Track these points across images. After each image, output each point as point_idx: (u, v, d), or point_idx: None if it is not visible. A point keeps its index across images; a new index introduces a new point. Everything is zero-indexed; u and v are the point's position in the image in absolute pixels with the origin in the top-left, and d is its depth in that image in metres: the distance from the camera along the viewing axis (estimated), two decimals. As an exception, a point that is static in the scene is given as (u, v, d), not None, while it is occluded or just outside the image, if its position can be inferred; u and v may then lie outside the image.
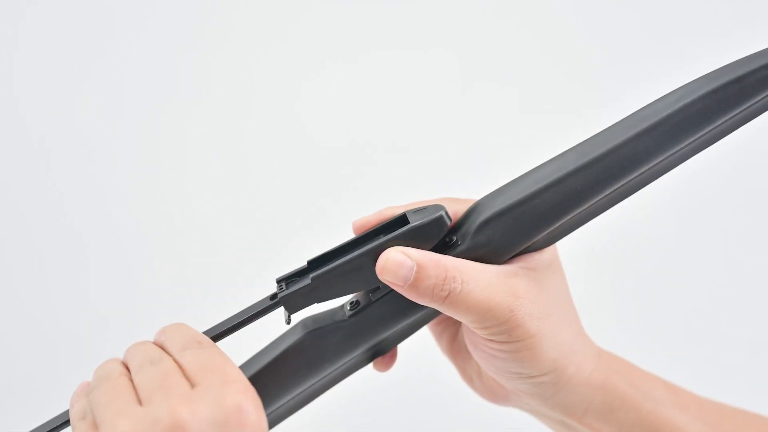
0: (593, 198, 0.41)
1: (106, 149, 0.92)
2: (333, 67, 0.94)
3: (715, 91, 0.39)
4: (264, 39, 0.94)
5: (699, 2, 0.91)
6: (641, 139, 0.40)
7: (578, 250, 0.57)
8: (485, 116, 0.92)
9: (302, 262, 0.44)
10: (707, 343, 0.86)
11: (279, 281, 0.44)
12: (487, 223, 0.41)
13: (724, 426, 0.46)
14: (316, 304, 0.44)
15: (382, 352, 0.48)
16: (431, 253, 0.41)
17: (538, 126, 0.88)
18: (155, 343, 0.40)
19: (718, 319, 0.87)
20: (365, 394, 0.67)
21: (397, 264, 0.40)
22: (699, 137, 0.41)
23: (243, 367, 0.46)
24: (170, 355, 0.38)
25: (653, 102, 0.41)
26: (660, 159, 0.41)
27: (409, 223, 0.42)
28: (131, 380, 0.37)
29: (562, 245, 0.44)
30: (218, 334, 0.44)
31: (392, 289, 0.43)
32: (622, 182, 0.41)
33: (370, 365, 0.49)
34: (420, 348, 0.54)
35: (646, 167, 0.41)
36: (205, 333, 0.44)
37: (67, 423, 0.41)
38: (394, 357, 0.48)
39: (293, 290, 0.43)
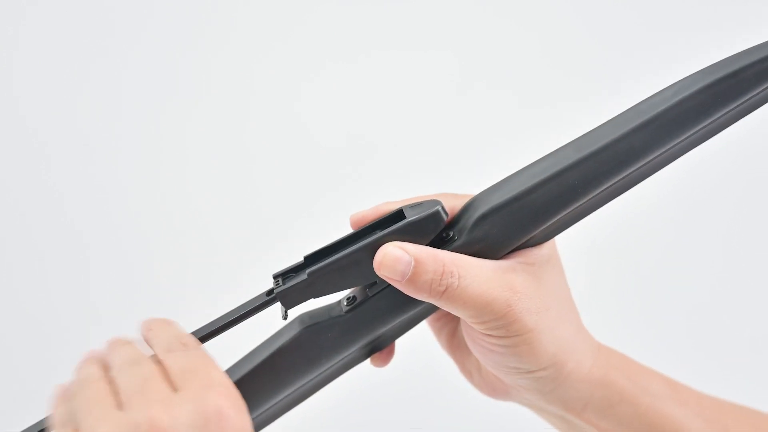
0: (591, 193, 0.41)
1: (106, 149, 0.92)
2: (333, 67, 0.94)
3: (711, 86, 0.39)
4: (264, 39, 0.94)
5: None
6: (638, 134, 0.40)
7: (577, 245, 0.57)
8: (483, 113, 0.92)
9: (299, 258, 0.44)
10: (707, 338, 0.86)
11: (276, 277, 0.44)
12: (484, 218, 0.41)
13: (722, 421, 0.46)
14: (312, 300, 0.44)
15: (379, 348, 0.48)
16: (428, 248, 0.41)
17: (536, 121, 0.88)
18: (141, 337, 0.40)
19: (717, 315, 0.87)
20: (363, 390, 0.67)
21: (395, 259, 0.40)
22: (696, 132, 0.41)
23: (240, 364, 0.46)
24: (154, 355, 0.38)
25: (650, 97, 0.41)
26: (657, 153, 0.41)
27: (405, 218, 0.42)
28: (112, 382, 0.36)
29: (561, 240, 0.44)
30: (215, 329, 0.44)
31: (389, 285, 0.43)
32: (620, 177, 0.41)
33: (368, 361, 0.49)
34: (419, 343, 0.54)
35: (643, 162, 0.41)
36: (201, 329, 0.44)
37: (48, 429, 0.41)
38: (391, 352, 0.48)
39: (290, 286, 0.43)
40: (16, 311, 0.89)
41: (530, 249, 0.43)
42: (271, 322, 0.47)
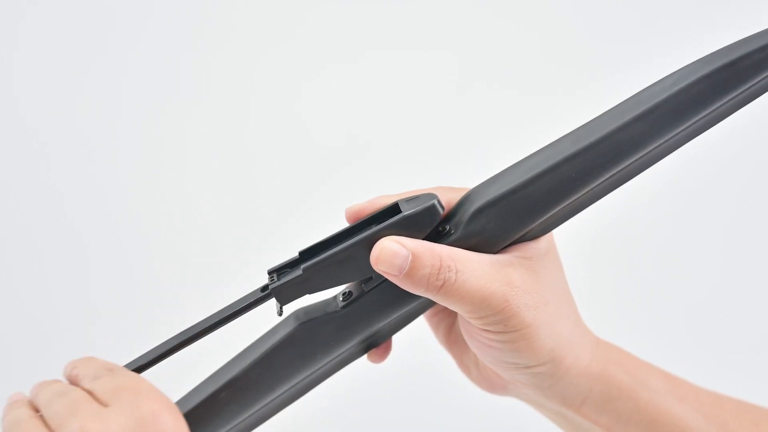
0: (588, 185, 0.41)
1: (106, 149, 0.92)
2: (332, 68, 0.94)
3: (710, 75, 0.39)
4: (264, 39, 0.94)
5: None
6: (636, 125, 0.39)
7: (575, 239, 0.57)
8: (480, 110, 0.92)
9: (295, 253, 0.44)
10: (706, 333, 0.85)
11: (270, 272, 0.44)
12: (480, 211, 0.41)
13: (722, 417, 0.46)
14: (308, 296, 0.43)
15: (376, 344, 0.47)
16: (425, 242, 0.41)
17: (534, 115, 0.88)
18: (66, 377, 0.40)
19: (717, 309, 0.87)
20: (361, 387, 0.67)
21: (392, 253, 0.40)
22: (695, 122, 0.40)
23: (235, 361, 0.45)
24: (81, 387, 0.38)
25: (648, 87, 0.40)
26: (656, 144, 0.40)
27: (401, 212, 0.41)
28: (41, 418, 0.36)
29: (559, 233, 0.44)
30: (210, 326, 0.44)
31: (385, 279, 0.42)
32: (618, 168, 0.41)
33: (365, 357, 0.48)
34: (416, 339, 0.53)
35: (642, 153, 0.40)
36: (195, 326, 0.44)
37: None
38: (388, 348, 0.48)
39: (285, 281, 0.42)
40: (16, 311, 0.89)
41: (528, 243, 0.43)
42: (266, 318, 0.46)
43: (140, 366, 0.44)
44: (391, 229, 0.41)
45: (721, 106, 0.40)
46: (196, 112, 0.93)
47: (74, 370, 0.40)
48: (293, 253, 0.44)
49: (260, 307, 0.44)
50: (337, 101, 0.94)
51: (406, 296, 0.43)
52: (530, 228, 0.42)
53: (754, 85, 0.39)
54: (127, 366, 0.43)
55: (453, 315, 0.50)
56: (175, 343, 0.44)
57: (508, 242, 0.42)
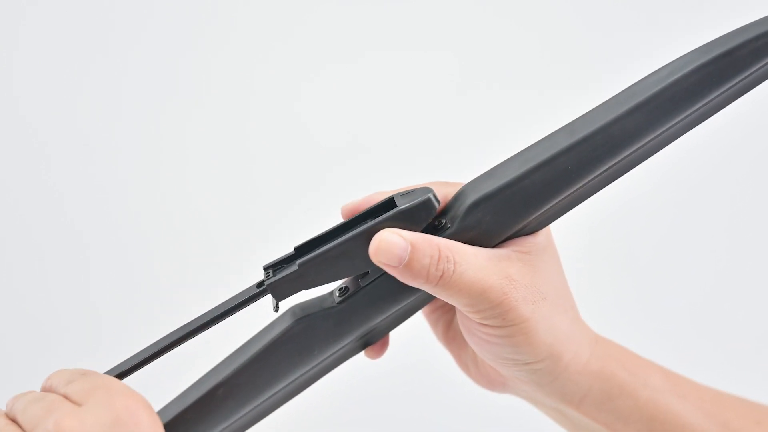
0: (585, 178, 0.40)
1: (106, 149, 0.92)
2: (332, 68, 0.94)
3: (706, 65, 0.38)
4: (264, 39, 0.94)
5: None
6: (632, 116, 0.39)
7: (572, 233, 0.57)
8: (480, 110, 0.92)
9: (290, 249, 0.43)
10: (707, 329, 0.85)
11: (266, 268, 0.43)
12: (476, 205, 0.41)
13: (723, 414, 0.45)
14: (304, 291, 0.43)
15: (373, 340, 0.47)
16: (424, 234, 0.40)
17: (534, 115, 0.87)
18: (41, 389, 0.40)
19: (718, 305, 0.86)
20: (358, 383, 0.67)
21: (392, 245, 0.39)
22: (692, 113, 0.40)
23: (231, 357, 0.45)
24: (56, 392, 0.38)
25: (644, 78, 0.40)
26: (652, 136, 0.40)
27: (396, 206, 0.41)
28: (18, 425, 0.37)
29: (556, 228, 0.43)
30: (206, 322, 0.44)
31: (382, 274, 0.42)
32: (615, 161, 0.40)
33: (362, 353, 0.48)
34: (414, 335, 0.53)
35: (638, 145, 0.40)
36: (191, 322, 0.44)
37: None
38: (385, 344, 0.47)
39: (280, 277, 0.42)
40: (16, 311, 0.89)
41: (525, 237, 0.42)
42: (263, 315, 0.46)
43: (136, 364, 0.44)
44: (387, 224, 0.41)
45: (718, 96, 0.39)
46: (196, 111, 0.93)
47: (48, 381, 0.40)
48: (289, 249, 0.43)
49: (256, 304, 0.44)
50: (337, 101, 0.93)
51: (403, 291, 0.43)
52: (527, 222, 0.41)
53: (751, 74, 0.39)
54: (121, 366, 0.43)
55: (451, 311, 0.50)
56: (171, 340, 0.44)
57: (504, 236, 0.42)
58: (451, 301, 0.41)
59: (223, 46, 0.94)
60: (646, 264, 0.88)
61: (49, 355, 0.87)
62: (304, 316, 0.44)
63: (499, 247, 0.42)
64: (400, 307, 0.44)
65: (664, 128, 0.40)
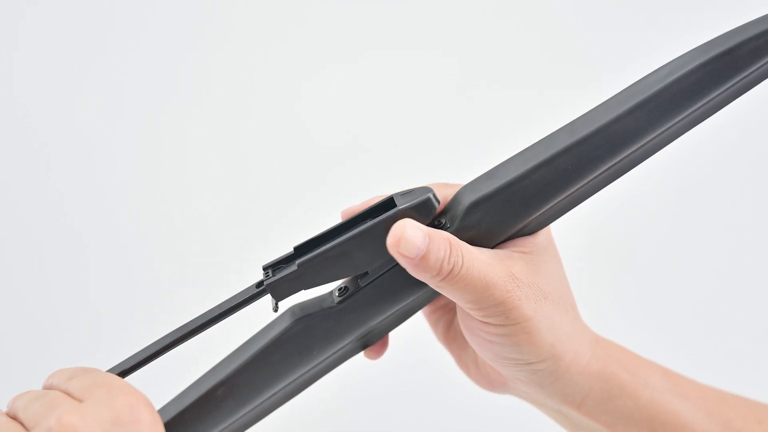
0: (585, 177, 0.40)
1: (106, 149, 0.92)
2: (332, 68, 0.94)
3: (706, 64, 0.38)
4: (264, 39, 0.94)
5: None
6: (632, 116, 0.39)
7: (573, 233, 0.56)
8: (481, 111, 0.92)
9: (289, 249, 0.43)
10: (708, 328, 0.85)
11: (265, 268, 0.43)
12: (476, 205, 0.41)
13: (725, 414, 0.45)
14: (303, 291, 0.43)
15: (373, 341, 0.47)
16: (433, 228, 0.40)
17: (534, 115, 0.87)
18: (42, 388, 0.40)
19: (719, 304, 0.86)
20: (357, 384, 0.67)
21: (415, 236, 0.39)
22: (692, 112, 0.40)
23: (231, 357, 0.45)
24: (57, 389, 0.39)
25: (644, 77, 0.40)
26: (653, 135, 0.40)
27: (396, 206, 0.41)
28: (20, 423, 0.37)
29: (557, 227, 0.43)
30: (206, 322, 0.44)
31: (381, 274, 0.42)
32: (615, 160, 0.40)
33: (361, 354, 0.48)
34: (414, 336, 0.53)
35: (638, 144, 0.40)
36: (191, 322, 0.44)
37: None
38: (385, 344, 0.47)
39: (280, 277, 0.42)
40: (16, 311, 0.89)
41: (525, 237, 0.42)
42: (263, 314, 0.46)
43: (135, 364, 0.44)
44: (388, 223, 0.41)
45: (718, 95, 0.39)
46: (196, 111, 0.93)
47: (49, 380, 0.40)
48: (289, 249, 0.43)
49: (256, 304, 0.44)
50: (337, 101, 0.93)
51: (403, 290, 0.43)
52: (527, 222, 0.41)
53: (751, 73, 0.39)
54: (120, 365, 0.43)
55: (452, 312, 0.49)
56: (171, 340, 0.44)
57: (504, 237, 0.42)
58: (455, 298, 0.41)
59: (223, 46, 0.94)
60: (646, 264, 0.88)
61: (49, 355, 0.87)
62: (304, 316, 0.43)
63: (500, 248, 0.42)
64: (400, 307, 0.44)
65: (664, 128, 0.40)
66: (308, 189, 0.91)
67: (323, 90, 0.93)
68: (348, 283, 0.44)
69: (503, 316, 0.41)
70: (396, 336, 0.48)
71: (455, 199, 0.42)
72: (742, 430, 0.45)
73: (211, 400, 0.44)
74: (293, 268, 0.42)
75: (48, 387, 0.40)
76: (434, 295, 0.45)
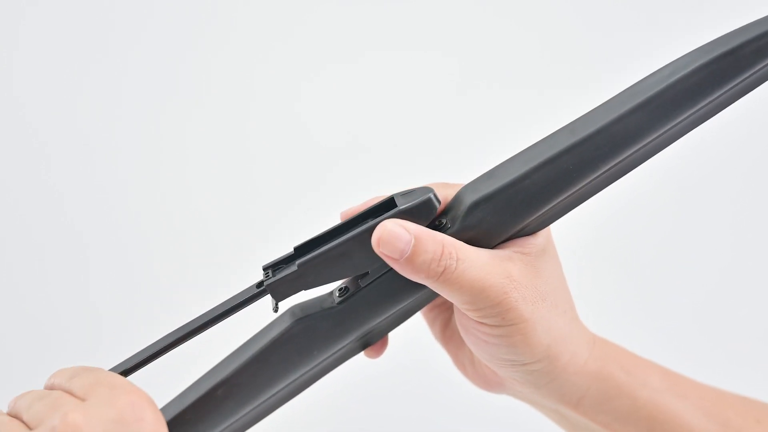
0: (586, 178, 0.40)
1: (106, 149, 0.92)
2: (332, 68, 0.94)
3: (709, 64, 0.38)
4: (264, 39, 0.94)
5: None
6: (634, 116, 0.39)
7: (574, 232, 0.56)
8: (481, 111, 0.92)
9: (289, 249, 0.43)
10: (709, 327, 0.84)
11: (265, 268, 0.43)
12: (477, 204, 0.40)
13: (724, 413, 0.45)
14: (304, 292, 0.43)
15: (373, 341, 0.47)
16: (427, 228, 0.40)
17: (535, 115, 0.87)
18: (44, 388, 0.40)
19: (718, 304, 0.86)
20: (356, 383, 0.67)
21: (395, 236, 0.39)
22: (694, 112, 0.39)
23: (231, 358, 0.45)
24: (59, 388, 0.39)
25: (645, 77, 0.40)
26: (654, 136, 0.40)
27: (396, 206, 0.41)
28: (23, 423, 0.37)
29: (557, 227, 0.43)
30: (205, 322, 0.43)
31: (382, 275, 0.42)
32: (616, 161, 0.40)
33: (361, 353, 0.48)
34: (413, 335, 0.53)
35: (639, 145, 0.40)
36: (191, 322, 0.44)
37: None
38: (385, 344, 0.47)
39: (280, 277, 0.42)
40: (16, 311, 0.89)
41: (526, 238, 0.42)
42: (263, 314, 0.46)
43: (135, 364, 0.43)
44: None
45: (720, 95, 0.39)
46: (196, 111, 0.93)
47: (50, 380, 0.40)
48: (289, 250, 0.43)
49: (256, 304, 0.44)
50: (337, 101, 0.93)
51: (403, 291, 0.43)
52: (527, 222, 0.41)
53: (754, 73, 0.38)
54: (121, 365, 0.43)
55: (449, 310, 0.49)
56: (171, 340, 0.44)
57: (505, 237, 0.42)
58: (451, 298, 0.41)
59: (223, 46, 0.94)
60: (647, 264, 0.88)
61: (49, 355, 0.87)
62: (304, 317, 0.43)
63: (500, 248, 0.42)
64: (400, 307, 0.44)
65: (665, 128, 0.39)
66: (308, 189, 0.91)
67: (323, 90, 0.93)
68: (348, 284, 0.44)
69: (499, 317, 0.41)
70: (395, 335, 0.48)
71: (456, 199, 0.42)
72: (741, 430, 0.45)
73: (211, 400, 0.44)
74: (293, 268, 0.42)
75: (50, 387, 0.40)
76: (435, 295, 0.45)
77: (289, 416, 0.50)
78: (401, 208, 0.41)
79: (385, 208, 0.42)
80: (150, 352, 0.44)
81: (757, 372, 0.78)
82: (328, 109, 0.93)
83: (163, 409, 0.44)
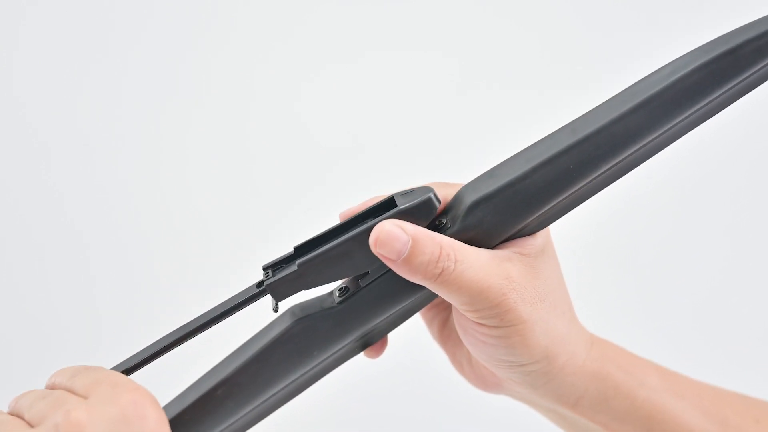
0: (587, 177, 0.40)
1: (106, 149, 0.92)
2: (332, 68, 0.94)
3: (709, 63, 0.38)
4: (264, 39, 0.94)
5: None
6: (634, 115, 0.39)
7: (574, 232, 0.56)
8: (481, 111, 0.92)
9: (289, 249, 0.43)
10: (709, 327, 0.84)
11: (265, 268, 0.43)
12: (477, 204, 0.40)
13: (722, 412, 0.45)
14: (304, 292, 0.43)
15: (373, 341, 0.47)
16: (426, 229, 0.40)
17: (535, 116, 0.87)
18: (45, 388, 0.40)
19: (719, 303, 0.86)
20: (355, 384, 0.67)
21: (393, 237, 0.39)
22: (694, 112, 0.39)
23: (230, 358, 0.45)
24: (60, 388, 0.39)
25: (645, 77, 0.40)
26: (654, 135, 0.40)
27: (396, 206, 0.41)
28: (25, 421, 0.37)
29: (558, 226, 0.43)
30: (205, 322, 0.43)
31: (382, 275, 0.42)
32: (617, 160, 0.40)
33: (361, 353, 0.48)
34: (415, 335, 0.53)
35: (640, 144, 0.40)
36: (191, 322, 0.44)
37: None
38: (384, 343, 0.47)
39: (280, 277, 0.42)
40: (16, 311, 0.89)
41: (525, 239, 0.42)
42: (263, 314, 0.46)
43: (135, 364, 0.43)
44: None
45: (720, 95, 0.39)
46: (196, 111, 0.93)
47: (51, 379, 0.40)
48: (289, 249, 0.43)
49: (256, 304, 0.44)
50: (337, 101, 0.93)
51: (403, 291, 0.43)
52: (527, 222, 0.41)
53: (754, 73, 0.38)
54: (121, 365, 0.43)
55: (447, 310, 0.49)
56: (171, 340, 0.44)
57: (505, 237, 0.42)
58: (449, 299, 0.41)
59: (223, 46, 0.94)
60: (647, 264, 0.88)
61: (49, 355, 0.87)
62: (304, 317, 0.43)
63: (499, 248, 0.42)
64: (400, 307, 0.44)
65: (666, 127, 0.39)
66: (308, 189, 0.91)
67: (323, 90, 0.93)
68: (348, 283, 0.44)
69: (498, 319, 0.41)
70: (395, 335, 0.48)
71: (456, 198, 0.42)
72: (739, 428, 0.45)
73: (210, 400, 0.44)
74: (293, 268, 0.42)
75: (51, 386, 0.40)
76: (435, 294, 0.45)
77: (290, 416, 0.50)
78: (401, 208, 0.41)
79: (386, 207, 0.42)
80: (150, 352, 0.43)
81: (756, 372, 0.78)
82: (328, 109, 0.93)
83: (163, 409, 0.44)
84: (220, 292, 0.46)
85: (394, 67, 0.93)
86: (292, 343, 0.44)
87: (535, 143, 0.41)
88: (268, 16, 0.94)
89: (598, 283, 0.84)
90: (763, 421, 0.45)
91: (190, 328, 0.44)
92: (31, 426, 0.36)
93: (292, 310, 0.44)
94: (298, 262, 0.41)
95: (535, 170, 0.40)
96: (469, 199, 0.41)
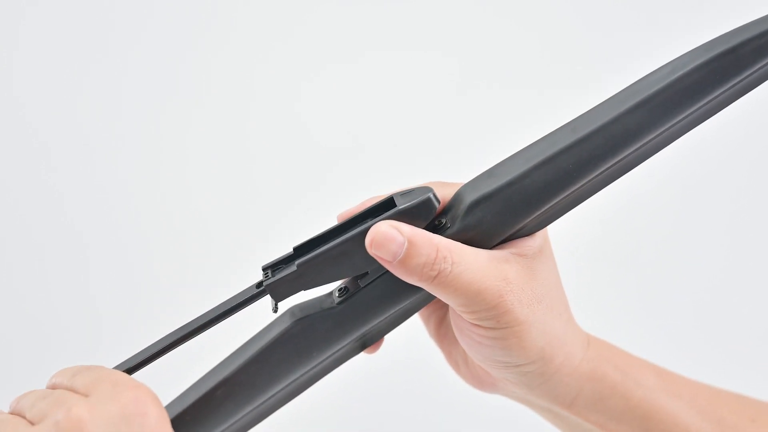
0: (586, 176, 0.40)
1: (107, 149, 0.92)
2: (332, 68, 0.94)
3: (709, 62, 0.38)
4: (264, 39, 0.94)
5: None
6: (634, 114, 0.39)
7: (573, 232, 0.56)
8: (481, 111, 0.92)
9: (289, 249, 0.43)
10: (708, 327, 0.84)
11: (265, 269, 0.43)
12: (476, 204, 0.40)
13: (718, 412, 0.45)
14: (303, 292, 0.43)
15: (373, 341, 0.47)
16: (424, 231, 0.40)
17: (536, 116, 0.87)
18: (47, 388, 0.40)
19: (719, 304, 0.86)
20: (353, 383, 0.66)
21: (388, 238, 0.39)
22: (694, 111, 0.39)
23: (230, 358, 0.45)
24: (61, 387, 0.39)
25: (645, 76, 0.40)
26: (654, 134, 0.40)
27: (396, 206, 0.41)
28: (26, 421, 0.37)
29: (557, 226, 0.43)
30: (205, 323, 0.43)
31: (381, 275, 0.42)
32: (616, 159, 0.40)
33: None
34: (414, 335, 0.53)
35: (639, 143, 0.40)
36: (190, 323, 0.44)
37: None
38: (381, 340, 0.47)
39: (279, 277, 0.42)
40: (16, 311, 0.89)
41: (523, 239, 0.42)
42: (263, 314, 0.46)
43: (136, 364, 0.43)
44: None
45: (720, 94, 0.39)
46: (196, 111, 0.93)
47: (52, 379, 0.40)
48: (288, 250, 0.43)
49: (256, 304, 0.44)
50: (336, 101, 0.93)
51: (403, 291, 0.42)
52: (526, 222, 0.41)
53: (754, 72, 0.38)
54: (121, 365, 0.43)
55: (444, 308, 0.49)
56: (171, 340, 0.44)
57: (504, 237, 0.42)
58: (446, 300, 0.41)
59: (223, 46, 0.94)
60: (647, 264, 0.88)
61: (49, 355, 0.87)
62: (304, 317, 0.43)
63: (497, 249, 0.42)
64: (399, 307, 0.44)
65: (665, 126, 0.39)
66: (308, 189, 0.91)
67: (323, 90, 0.93)
68: (348, 284, 0.44)
69: (494, 320, 0.40)
70: (395, 335, 0.48)
71: (456, 198, 0.42)
72: (735, 428, 0.45)
73: (210, 401, 0.44)
74: (293, 268, 0.42)
75: (52, 386, 0.40)
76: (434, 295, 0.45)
77: (290, 416, 0.50)
78: (400, 208, 0.40)
79: (385, 207, 0.42)
80: (151, 352, 0.43)
81: (756, 372, 0.78)
82: (328, 109, 0.93)
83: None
84: (220, 292, 0.46)
85: (394, 67, 0.93)
86: (291, 343, 0.44)
87: (535, 142, 0.41)
88: (268, 17, 0.94)
89: (596, 282, 0.84)
90: (759, 421, 0.45)
91: (191, 329, 0.44)
92: (33, 424, 0.36)
93: (291, 311, 0.44)
94: (297, 262, 0.41)
95: (534, 169, 0.40)
96: (469, 198, 0.41)
